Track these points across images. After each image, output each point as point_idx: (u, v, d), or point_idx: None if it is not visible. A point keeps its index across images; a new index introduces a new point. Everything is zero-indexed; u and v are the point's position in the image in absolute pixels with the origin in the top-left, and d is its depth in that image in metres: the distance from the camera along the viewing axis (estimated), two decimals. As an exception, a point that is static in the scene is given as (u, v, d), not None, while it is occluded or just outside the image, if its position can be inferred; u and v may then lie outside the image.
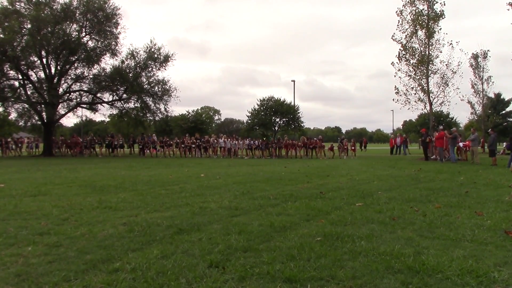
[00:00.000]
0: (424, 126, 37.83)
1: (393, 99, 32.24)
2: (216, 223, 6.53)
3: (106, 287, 3.82)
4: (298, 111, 41.45)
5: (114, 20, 37.92)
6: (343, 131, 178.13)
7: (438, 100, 30.60)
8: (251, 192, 10.22)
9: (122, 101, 40.49)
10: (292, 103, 43.21)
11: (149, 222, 6.49)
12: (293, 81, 50.02)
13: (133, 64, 38.71)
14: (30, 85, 38.20)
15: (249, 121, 41.70)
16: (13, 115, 40.64)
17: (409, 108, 31.99)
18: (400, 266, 4.37)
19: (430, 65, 30.09)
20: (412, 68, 30.67)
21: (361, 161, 27.18)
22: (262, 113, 40.72)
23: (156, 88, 39.60)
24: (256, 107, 41.38)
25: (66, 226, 6.27)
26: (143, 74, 39.03)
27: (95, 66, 39.09)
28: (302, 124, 41.74)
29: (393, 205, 8.24)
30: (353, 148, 34.62)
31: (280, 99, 41.60)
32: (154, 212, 7.58)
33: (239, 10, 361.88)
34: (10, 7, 35.04)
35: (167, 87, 39.66)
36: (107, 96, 40.66)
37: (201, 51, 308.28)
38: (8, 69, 36.54)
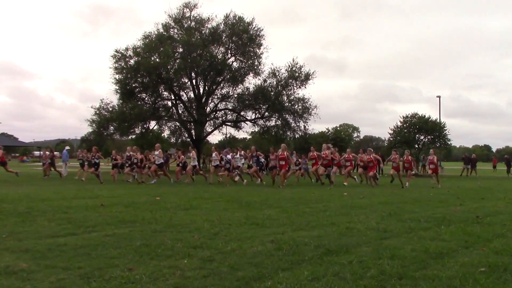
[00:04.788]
0: None
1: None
2: (365, 246, 6.25)
3: (259, 306, 3.79)
4: (445, 128, 39.07)
5: (257, 41, 39.39)
6: (494, 149, 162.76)
7: None
8: (398, 214, 9.72)
9: (264, 119, 41.69)
10: (437, 120, 40.98)
11: (296, 241, 6.43)
12: (439, 96, 47.58)
13: (274, 82, 39.74)
14: (181, 104, 41.21)
15: (391, 139, 40.23)
16: (166, 133, 44.18)
17: None
18: None
19: None
20: None
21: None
22: (405, 130, 39.06)
23: (296, 105, 40.11)
24: (399, 124, 39.84)
25: (217, 241, 6.45)
26: (284, 92, 39.82)
27: (239, 86, 40.95)
28: (449, 142, 39.24)
29: None
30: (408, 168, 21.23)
31: (424, 116, 39.66)
32: (300, 230, 7.52)
33: (376, 25, 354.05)
34: (165, 33, 38.30)
35: (307, 105, 40.00)
36: (250, 114, 42.23)
37: (338, 68, 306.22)
38: (163, 90, 39.88)
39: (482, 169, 37.62)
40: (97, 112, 37.53)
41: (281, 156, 18.53)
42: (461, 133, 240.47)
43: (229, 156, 19.88)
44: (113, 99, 39.05)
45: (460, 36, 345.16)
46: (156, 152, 20.57)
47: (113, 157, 21.80)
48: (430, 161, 21.12)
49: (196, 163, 21.40)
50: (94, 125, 37.34)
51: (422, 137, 39.93)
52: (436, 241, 6.59)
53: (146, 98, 40.13)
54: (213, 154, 21.22)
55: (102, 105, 38.00)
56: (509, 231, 7.61)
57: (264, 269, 4.91)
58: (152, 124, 41.41)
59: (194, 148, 24.07)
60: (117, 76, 37.37)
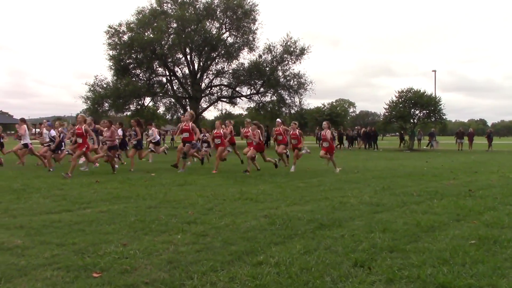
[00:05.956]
0: None
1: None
2: (358, 219, 6.32)
3: (251, 280, 3.83)
4: (440, 103, 38.95)
5: (252, 16, 38.99)
6: (489, 123, 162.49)
7: None
8: (392, 188, 9.79)
9: (259, 95, 41.54)
10: (433, 95, 40.86)
11: (289, 216, 6.48)
12: (434, 71, 47.81)
13: (269, 58, 39.48)
14: (176, 80, 41.00)
15: (387, 114, 40.12)
16: (161, 109, 44.05)
17: None
18: None
19: None
20: None
21: (513, 156, 24.85)
22: (401, 105, 38.92)
23: (292, 81, 39.96)
24: (394, 98, 39.68)
25: (211, 216, 6.50)
26: (279, 67, 39.59)
27: (234, 61, 40.69)
28: (444, 117, 39.11)
29: (558, 208, 7.31)
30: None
31: (419, 91, 39.50)
32: (293, 205, 7.59)
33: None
34: (159, 8, 37.86)
35: (303, 80, 39.85)
36: (245, 90, 42.04)
37: (334, 43, 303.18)
38: (157, 66, 39.61)
39: (477, 143, 37.70)
40: (92, 89, 37.29)
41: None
42: (457, 107, 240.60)
43: (53, 132, 15.55)
44: (108, 76, 38.85)
45: (457, 10, 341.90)
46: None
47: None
48: (323, 137, 14.80)
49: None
50: (88, 102, 37.12)
51: (417, 112, 39.84)
52: (428, 215, 6.66)
53: (140, 74, 39.88)
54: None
55: (97, 81, 37.75)
56: (500, 204, 7.70)
57: (256, 243, 4.96)
58: (147, 101, 41.23)
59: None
60: (111, 52, 37.02)
